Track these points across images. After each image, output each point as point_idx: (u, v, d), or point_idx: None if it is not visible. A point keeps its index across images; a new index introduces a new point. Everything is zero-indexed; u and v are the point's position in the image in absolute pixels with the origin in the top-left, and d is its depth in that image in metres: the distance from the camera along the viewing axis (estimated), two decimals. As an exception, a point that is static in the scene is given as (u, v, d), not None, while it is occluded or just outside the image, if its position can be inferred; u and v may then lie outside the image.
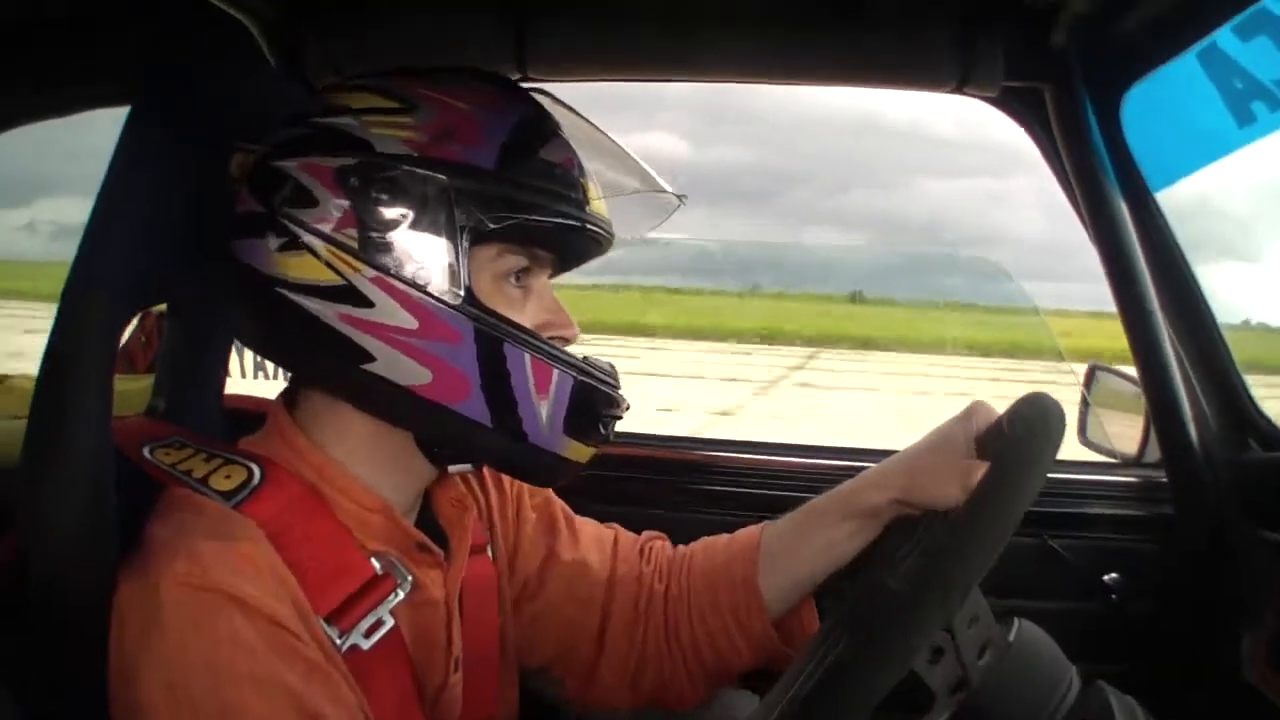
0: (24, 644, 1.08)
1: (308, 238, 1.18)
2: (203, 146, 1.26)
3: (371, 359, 1.18)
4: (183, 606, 1.03)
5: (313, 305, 1.18)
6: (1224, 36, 1.70)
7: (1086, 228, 1.96)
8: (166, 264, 1.26)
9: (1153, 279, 1.91)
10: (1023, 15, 1.67)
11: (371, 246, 1.17)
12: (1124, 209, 1.89)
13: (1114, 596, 2.10)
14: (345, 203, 1.17)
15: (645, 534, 1.66)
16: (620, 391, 1.30)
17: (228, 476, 1.18)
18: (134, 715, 1.03)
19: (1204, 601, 2.00)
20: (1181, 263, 1.97)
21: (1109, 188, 1.88)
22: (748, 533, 1.58)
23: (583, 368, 1.25)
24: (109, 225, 1.15)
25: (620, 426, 1.32)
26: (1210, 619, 1.98)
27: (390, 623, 1.20)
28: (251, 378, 1.49)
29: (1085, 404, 2.33)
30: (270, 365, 1.53)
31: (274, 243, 1.20)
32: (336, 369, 1.21)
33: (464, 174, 1.17)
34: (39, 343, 1.13)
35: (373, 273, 1.16)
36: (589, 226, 1.24)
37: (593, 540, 1.61)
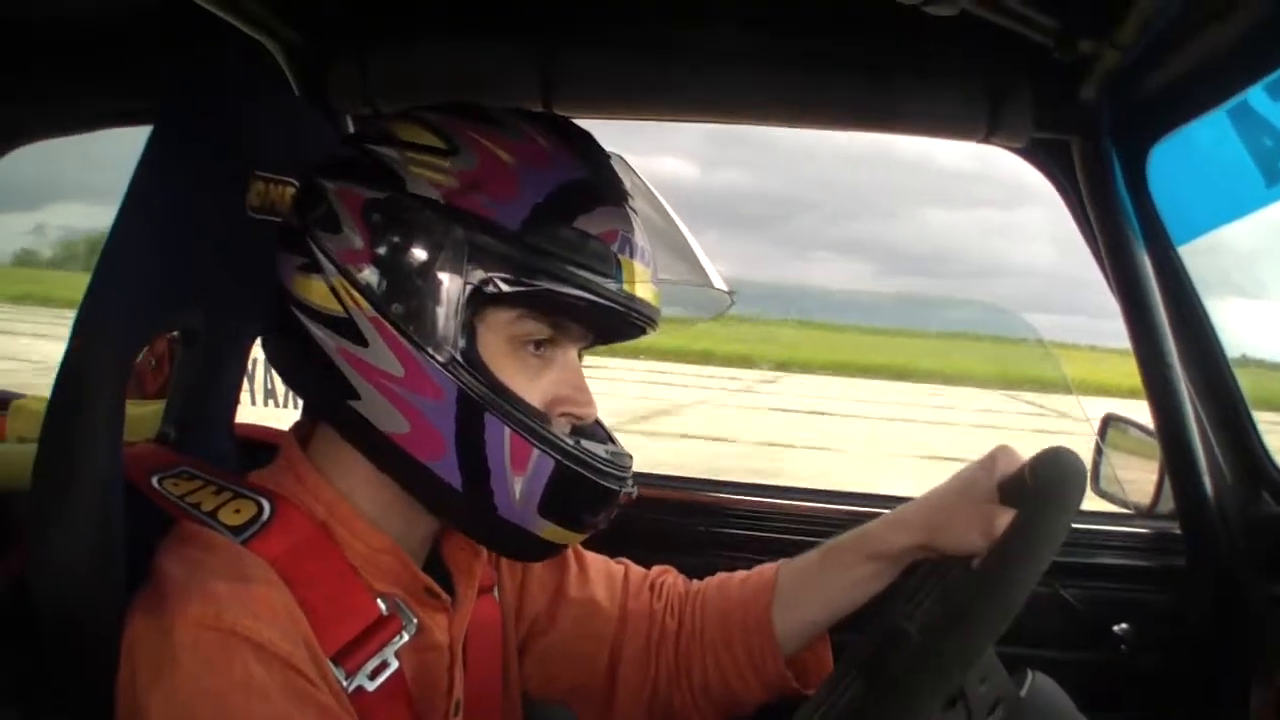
0: (30, 665, 1.09)
1: (324, 262, 1.18)
2: (225, 168, 1.27)
3: (357, 397, 1.18)
4: (198, 649, 1.02)
5: (319, 332, 1.19)
6: (1256, 95, 1.70)
7: (1108, 278, 1.96)
8: (182, 289, 1.26)
9: (1172, 332, 1.91)
10: (1053, 69, 1.66)
11: (378, 285, 1.16)
12: (1146, 262, 1.89)
13: (1124, 647, 2.09)
14: (364, 235, 1.17)
15: (655, 569, 1.65)
16: (620, 483, 1.25)
17: (237, 511, 1.17)
18: None
19: (1213, 654, 1.99)
20: (1202, 317, 1.97)
21: (1132, 240, 1.88)
22: (763, 571, 1.56)
23: (570, 453, 1.20)
24: (126, 249, 1.15)
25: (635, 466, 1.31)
26: (1219, 672, 1.98)
27: (395, 665, 1.19)
28: (261, 405, 1.49)
29: (1099, 453, 2.33)
30: (280, 393, 1.53)
31: (295, 259, 1.21)
32: (327, 400, 1.22)
33: (485, 229, 1.15)
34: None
35: (373, 312, 1.16)
36: (618, 306, 1.20)
37: (602, 577, 1.60)
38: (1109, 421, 2.38)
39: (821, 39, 1.87)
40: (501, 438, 1.17)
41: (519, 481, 1.18)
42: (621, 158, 1.34)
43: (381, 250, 1.16)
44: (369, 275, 1.16)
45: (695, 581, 1.63)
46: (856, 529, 1.49)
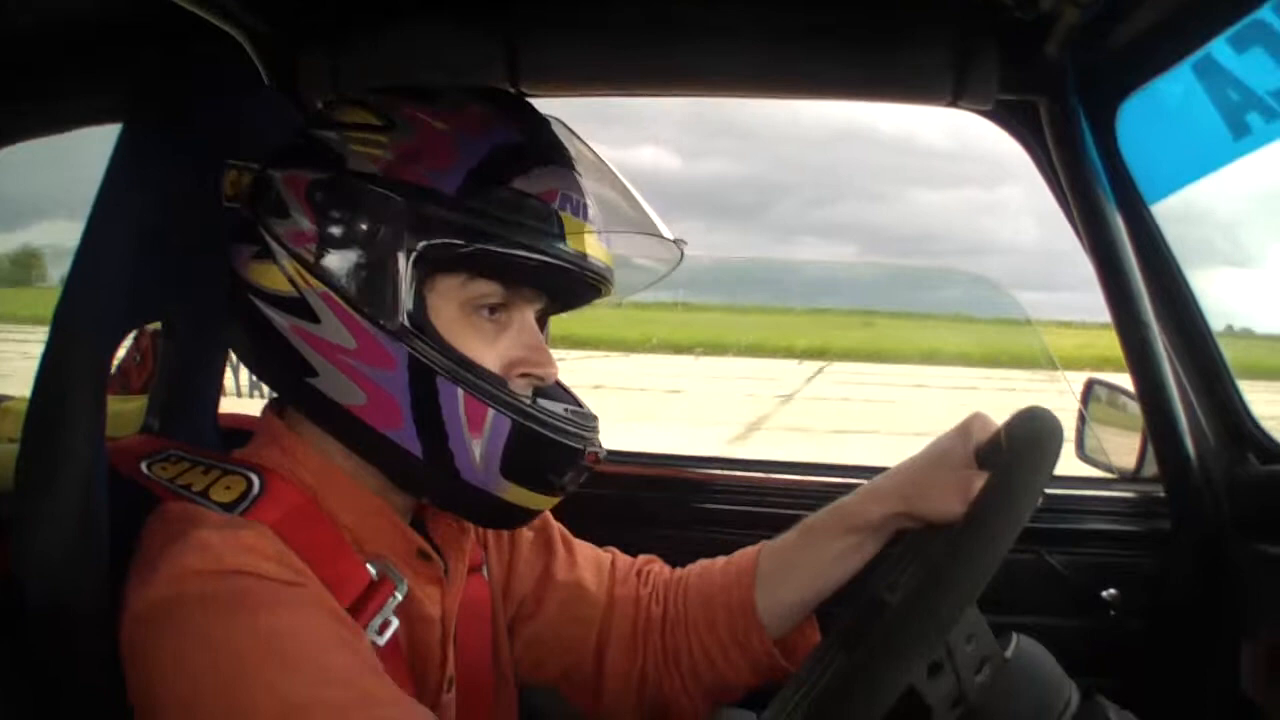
0: (19, 659, 1.08)
1: (275, 247, 1.20)
2: (196, 162, 1.27)
3: (315, 373, 1.20)
4: (203, 584, 1.03)
5: (273, 315, 1.21)
6: (1219, 48, 1.70)
7: (1081, 240, 1.96)
8: (160, 281, 1.26)
9: (1148, 292, 1.90)
10: (1016, 28, 1.66)
11: (325, 262, 1.18)
12: (1119, 221, 1.88)
13: (1112, 611, 2.09)
14: (310, 216, 1.19)
15: (641, 557, 1.65)
16: (585, 440, 1.26)
17: (227, 488, 1.17)
18: (184, 710, 1.02)
19: (1202, 616, 1.99)
20: (1177, 275, 1.97)
21: (1103, 200, 1.87)
22: (744, 554, 1.56)
23: (527, 411, 1.22)
24: (102, 243, 1.15)
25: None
26: (1208, 633, 1.97)
27: (396, 622, 1.20)
28: (248, 395, 1.49)
29: (1082, 419, 2.32)
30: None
31: (249, 249, 1.23)
32: (287, 380, 1.24)
33: (422, 197, 1.17)
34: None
35: (322, 288, 1.18)
36: (562, 262, 1.21)
37: (590, 562, 1.60)
38: (1091, 387, 2.37)
39: (786, 9, 1.88)
40: (456, 401, 1.18)
41: (477, 444, 1.20)
42: (561, 121, 1.35)
43: (327, 228, 1.18)
44: (317, 253, 1.18)
45: (678, 569, 1.63)
46: (833, 504, 1.48)
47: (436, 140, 1.21)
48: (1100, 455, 2.29)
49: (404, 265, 1.16)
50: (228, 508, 1.14)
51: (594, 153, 1.36)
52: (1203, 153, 1.89)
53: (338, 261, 1.17)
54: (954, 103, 1.89)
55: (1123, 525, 2.17)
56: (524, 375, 1.26)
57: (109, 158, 1.19)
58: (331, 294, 1.17)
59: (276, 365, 1.25)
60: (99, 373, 1.14)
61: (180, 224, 1.25)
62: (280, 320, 1.21)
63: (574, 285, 1.30)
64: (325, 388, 1.20)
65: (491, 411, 1.19)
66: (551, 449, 1.24)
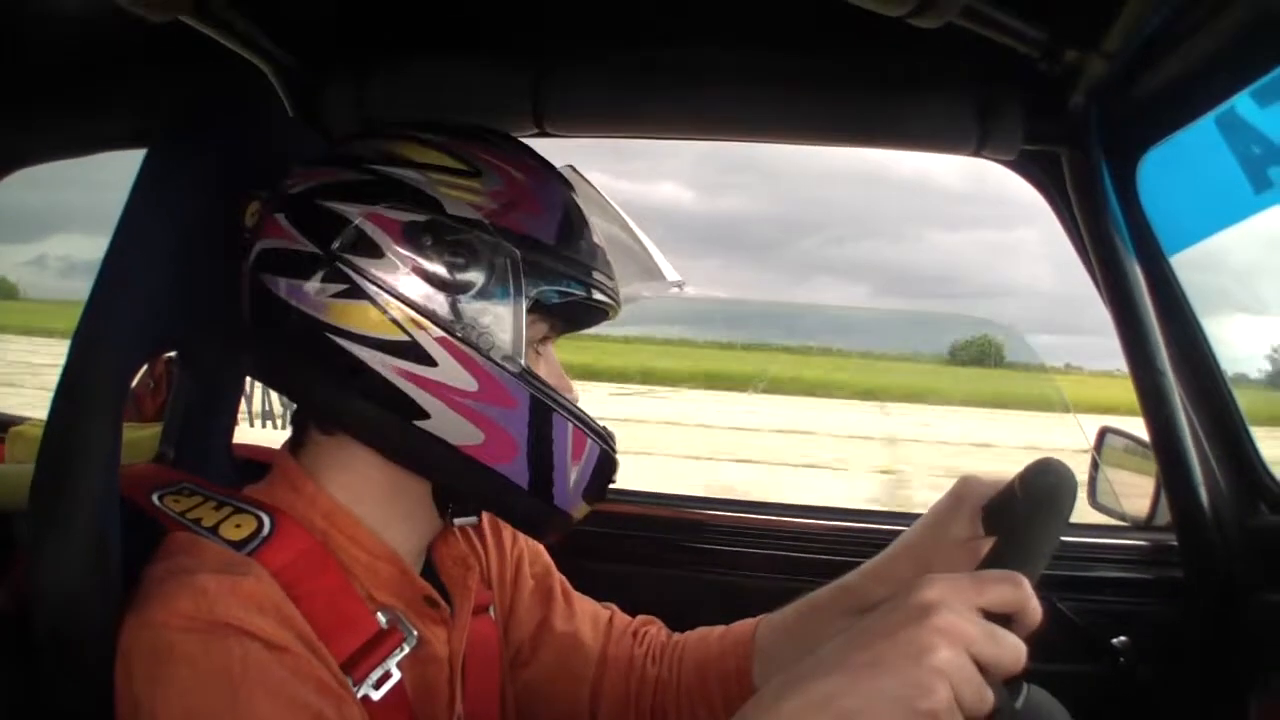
0: (30, 685, 1.08)
1: (370, 288, 1.17)
2: (218, 191, 1.26)
3: (426, 416, 1.19)
4: (191, 642, 1.02)
5: (366, 355, 1.18)
6: (1243, 102, 1.70)
7: (1099, 289, 1.96)
8: (179, 309, 1.25)
9: (1165, 342, 1.91)
10: (1040, 79, 1.66)
11: (439, 306, 1.17)
12: (1138, 272, 1.88)
13: (1122, 659, 2.08)
14: (413, 258, 1.18)
15: (640, 618, 1.65)
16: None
17: (237, 525, 1.17)
18: None
19: (1212, 665, 1.98)
20: (1194, 325, 1.97)
21: (1123, 251, 1.87)
22: (743, 625, 1.56)
23: (604, 435, 1.30)
24: (122, 270, 1.15)
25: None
26: (1218, 683, 1.96)
27: (397, 675, 1.20)
28: (260, 426, 1.48)
29: (1095, 467, 2.32)
30: (278, 414, 1.52)
31: (328, 288, 1.19)
32: (383, 420, 1.21)
33: (529, 246, 1.20)
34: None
35: (439, 333, 1.17)
36: (615, 305, 1.32)
37: (588, 617, 1.60)
38: (1105, 435, 2.37)
39: (811, 56, 1.88)
40: (566, 434, 1.25)
41: (575, 471, 1.27)
42: (572, 167, 1.42)
43: (438, 272, 1.18)
44: (428, 297, 1.18)
45: (676, 635, 1.63)
46: (837, 582, 1.45)
47: (523, 190, 1.24)
48: (1113, 503, 2.29)
49: (520, 309, 1.19)
50: (236, 546, 1.14)
51: (598, 192, 1.44)
52: (1224, 205, 1.90)
53: (454, 306, 1.18)
54: (978, 152, 1.89)
55: (1135, 573, 2.17)
56: None
57: (132, 182, 1.19)
58: (450, 338, 1.17)
59: (370, 408, 1.21)
60: (116, 400, 1.13)
61: (201, 251, 1.25)
62: (378, 360, 1.18)
63: (596, 317, 1.40)
64: (438, 429, 1.19)
65: (589, 441, 1.27)
66: (612, 466, 1.32)
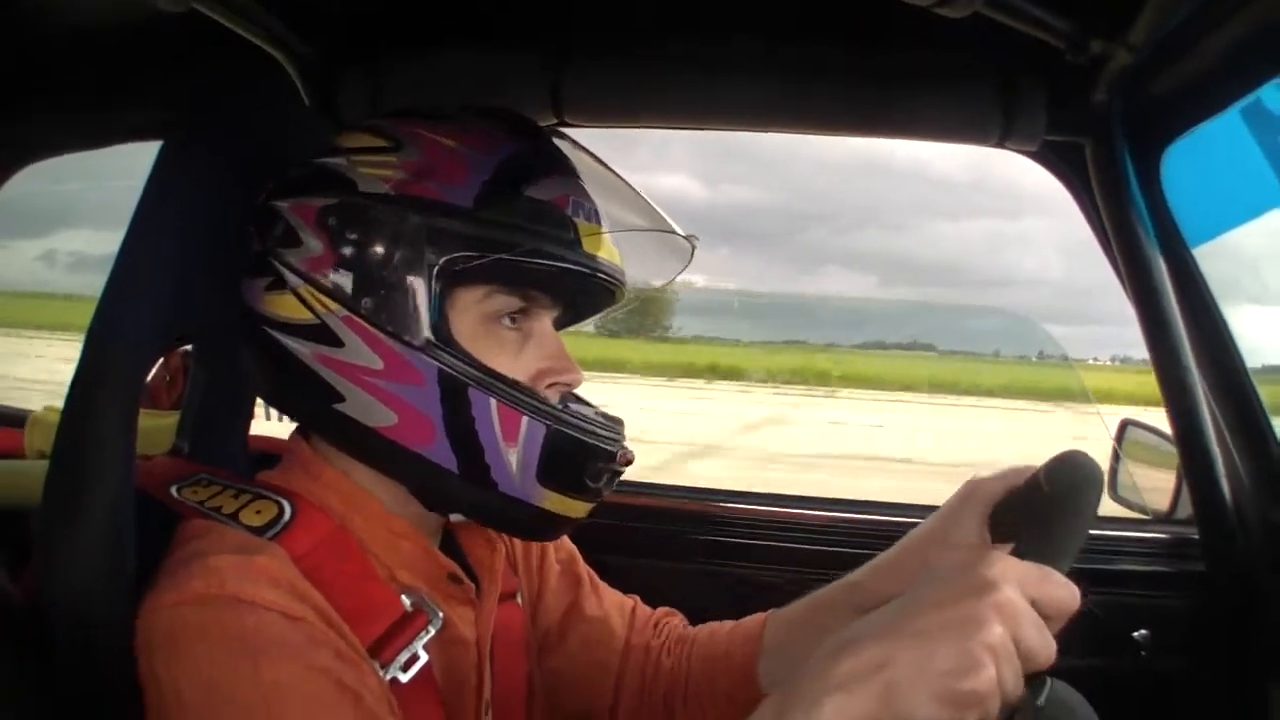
0: (49, 676, 1.08)
1: (291, 277, 1.20)
2: (233, 183, 1.27)
3: (341, 399, 1.19)
4: (205, 616, 1.02)
5: (293, 344, 1.20)
6: (1269, 94, 1.70)
7: (1122, 281, 1.95)
8: (193, 303, 1.26)
9: (1188, 334, 1.90)
10: (1065, 70, 1.65)
11: (343, 285, 1.17)
12: (1161, 265, 1.87)
13: (1143, 653, 2.08)
14: (324, 241, 1.18)
15: (661, 610, 1.65)
16: (617, 443, 1.26)
17: (258, 512, 1.17)
18: None
19: (1234, 658, 1.98)
20: (1217, 318, 1.96)
21: (1146, 243, 1.86)
22: (753, 620, 1.55)
23: (561, 417, 1.21)
24: (137, 263, 1.16)
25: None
26: (1240, 676, 1.96)
27: (425, 657, 1.19)
28: (277, 419, 1.49)
29: (1117, 459, 2.32)
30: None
31: (261, 282, 1.22)
32: (313, 408, 1.24)
33: (439, 212, 1.17)
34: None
35: (344, 312, 1.17)
36: (576, 267, 1.22)
37: (615, 606, 1.60)
38: (1126, 427, 2.36)
39: (832, 45, 1.88)
40: (489, 411, 1.18)
41: (514, 453, 1.19)
42: (563, 133, 1.37)
43: (343, 251, 1.18)
44: (334, 278, 1.18)
45: (690, 628, 1.63)
46: (844, 580, 1.44)
47: (446, 156, 1.21)
48: (1134, 496, 2.28)
49: (424, 280, 1.16)
50: (257, 532, 1.14)
51: (597, 159, 1.37)
52: (1248, 198, 1.89)
53: (357, 283, 1.17)
54: (1001, 143, 1.89)
55: (1156, 566, 2.16)
56: (552, 385, 1.26)
57: (148, 173, 1.19)
58: (353, 316, 1.17)
59: (300, 395, 1.24)
60: (131, 393, 1.14)
61: (217, 243, 1.25)
62: (301, 349, 1.20)
63: (590, 290, 1.31)
64: (353, 411, 1.19)
65: (526, 419, 1.19)
66: (586, 452, 1.23)
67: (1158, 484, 2.23)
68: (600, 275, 1.25)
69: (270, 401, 1.33)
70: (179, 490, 1.21)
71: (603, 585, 1.63)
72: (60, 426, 1.11)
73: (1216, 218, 1.94)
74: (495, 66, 1.93)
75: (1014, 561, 0.94)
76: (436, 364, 1.17)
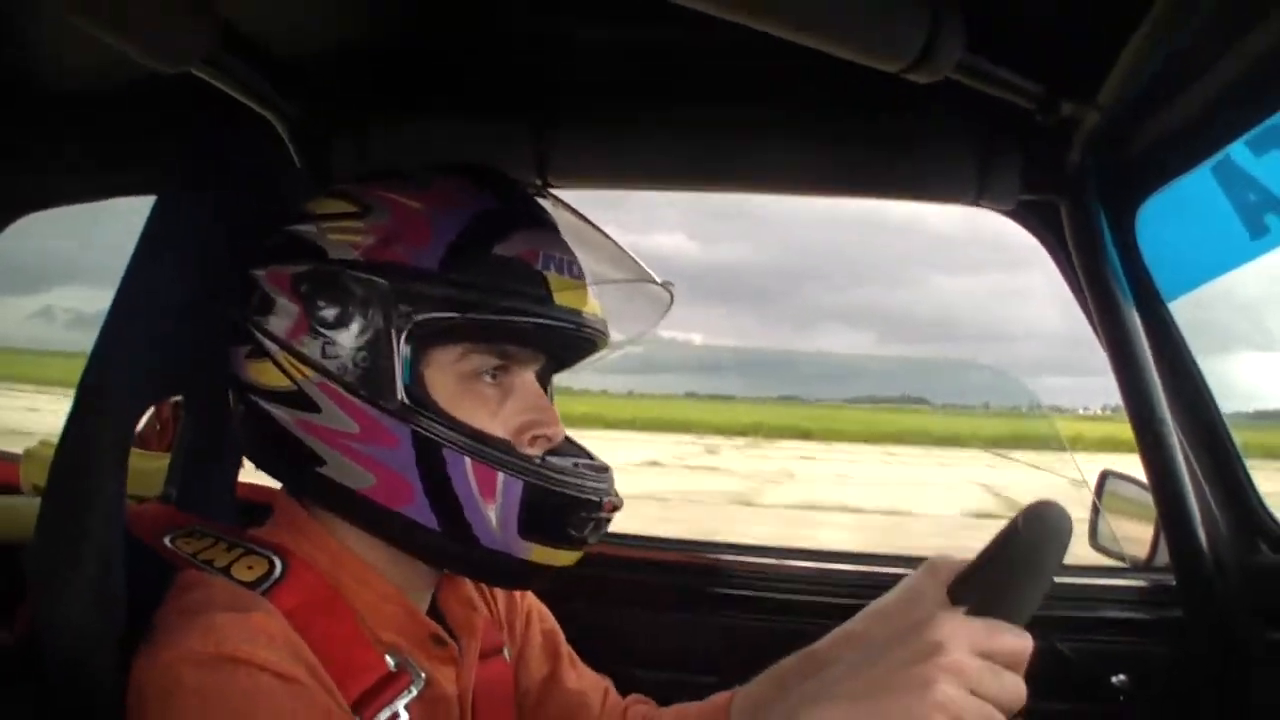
0: (40, 716, 1.10)
1: (269, 344, 1.22)
2: (225, 241, 1.29)
3: (323, 462, 1.21)
4: (200, 676, 1.03)
5: (275, 410, 1.23)
6: (1238, 150, 1.72)
7: (1098, 336, 1.97)
8: (184, 357, 1.29)
9: (1164, 386, 1.92)
10: (1038, 132, 1.68)
11: (317, 352, 1.19)
12: (1135, 318, 1.90)
13: (1122, 698, 2.09)
14: (298, 309, 1.20)
15: (631, 696, 1.65)
16: (600, 491, 1.26)
17: (250, 567, 1.18)
18: None
19: (1211, 704, 1.99)
20: (1192, 369, 1.99)
21: (1121, 298, 1.88)
22: (719, 698, 1.55)
23: (538, 471, 1.22)
24: (129, 316, 1.18)
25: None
26: (1218, 721, 1.97)
27: (405, 717, 1.20)
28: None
29: (1096, 510, 2.34)
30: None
31: (243, 350, 1.25)
32: (296, 472, 1.26)
33: (406, 276, 1.18)
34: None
35: (319, 378, 1.19)
36: (547, 322, 1.23)
37: (591, 685, 1.61)
38: (1106, 477, 2.38)
39: (810, 108, 1.91)
40: (464, 469, 1.19)
41: (492, 509, 1.20)
42: (539, 188, 1.41)
43: (315, 318, 1.20)
44: (309, 344, 1.20)
45: (656, 710, 1.63)
46: (802, 651, 1.45)
47: (412, 218, 1.22)
48: (1113, 545, 2.30)
49: (396, 344, 1.18)
50: (249, 587, 1.15)
51: (574, 212, 1.39)
52: (1221, 252, 1.91)
53: (330, 349, 1.19)
54: (976, 202, 1.92)
55: (1134, 613, 2.18)
56: (534, 439, 1.27)
57: (141, 230, 1.21)
58: (328, 382, 1.19)
59: (283, 459, 1.27)
60: (122, 446, 1.16)
61: (207, 299, 1.27)
62: (282, 415, 1.22)
63: (568, 342, 1.31)
64: (334, 474, 1.21)
65: (501, 475, 1.20)
66: (567, 503, 1.24)
67: (1137, 533, 2.25)
68: (571, 327, 1.26)
69: (257, 464, 1.34)
70: (172, 540, 1.22)
71: (581, 664, 1.63)
72: (52, 473, 1.13)
73: (1190, 272, 1.97)
74: (479, 130, 1.96)
75: (961, 621, 0.97)
76: (410, 426, 1.18)
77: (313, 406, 1.20)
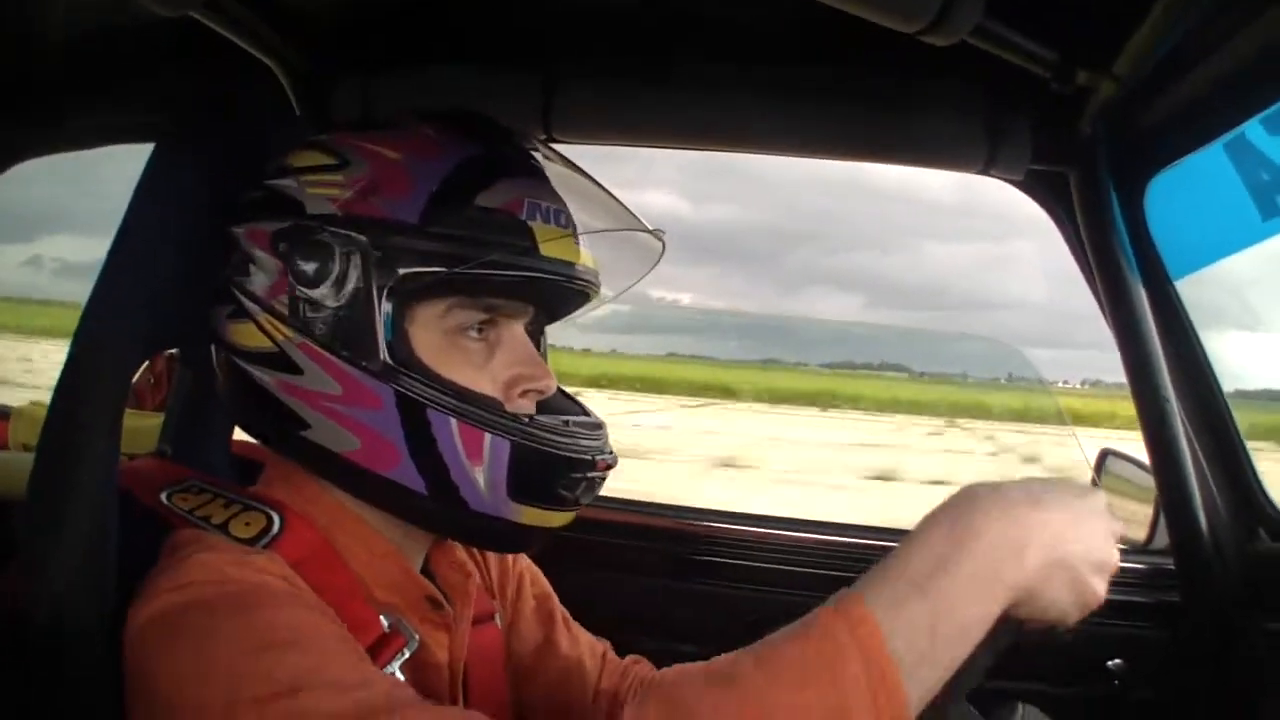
0: (25, 682, 1.08)
1: (249, 305, 1.19)
2: (222, 189, 1.26)
3: (307, 425, 1.18)
4: (204, 591, 1.02)
5: (258, 373, 1.20)
6: (1253, 129, 1.69)
7: (1103, 310, 1.95)
8: (180, 310, 1.26)
9: (1168, 366, 1.90)
10: (1051, 100, 1.65)
11: (298, 311, 1.17)
12: (1143, 296, 1.88)
13: (1117, 682, 2.08)
14: (277, 267, 1.18)
15: (630, 657, 1.63)
16: (592, 450, 1.24)
17: (247, 524, 1.16)
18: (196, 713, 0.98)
19: (1207, 690, 1.98)
20: (1198, 350, 1.97)
21: (1129, 274, 1.87)
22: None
23: (527, 430, 1.19)
24: (126, 266, 1.15)
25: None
26: (1213, 707, 1.96)
27: (401, 677, 1.17)
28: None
29: (1095, 486, 2.32)
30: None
31: (223, 310, 1.22)
32: (282, 435, 1.23)
33: (385, 230, 1.15)
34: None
35: (299, 338, 1.17)
36: (532, 274, 1.20)
37: (588, 648, 1.58)
38: (1105, 456, 2.36)
39: (820, 69, 1.88)
40: (450, 431, 1.16)
41: (480, 471, 1.17)
42: (544, 142, 1.37)
43: (295, 276, 1.17)
44: (288, 304, 1.17)
45: (657, 671, 1.59)
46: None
47: (391, 170, 1.19)
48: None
49: (377, 302, 1.15)
50: (248, 544, 1.13)
51: (562, 158, 1.36)
52: (1231, 231, 1.89)
53: (311, 309, 1.16)
54: (986, 170, 1.89)
55: (1132, 596, 2.16)
56: (524, 392, 1.24)
57: (139, 176, 1.19)
58: (309, 342, 1.17)
59: (269, 423, 1.24)
60: (116, 398, 1.14)
61: (204, 249, 1.25)
62: (265, 377, 1.20)
63: (557, 293, 1.29)
64: (319, 438, 1.18)
65: (488, 436, 1.17)
66: (557, 463, 1.21)
67: (1135, 514, 2.24)
68: (560, 279, 1.23)
69: (243, 427, 1.31)
70: (169, 497, 1.20)
71: (576, 626, 1.61)
72: (45, 428, 1.11)
73: (1199, 250, 1.95)
74: (486, 81, 1.93)
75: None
76: (393, 387, 1.15)
77: (294, 368, 1.18)
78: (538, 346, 1.38)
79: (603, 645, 1.62)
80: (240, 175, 1.27)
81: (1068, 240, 2.02)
